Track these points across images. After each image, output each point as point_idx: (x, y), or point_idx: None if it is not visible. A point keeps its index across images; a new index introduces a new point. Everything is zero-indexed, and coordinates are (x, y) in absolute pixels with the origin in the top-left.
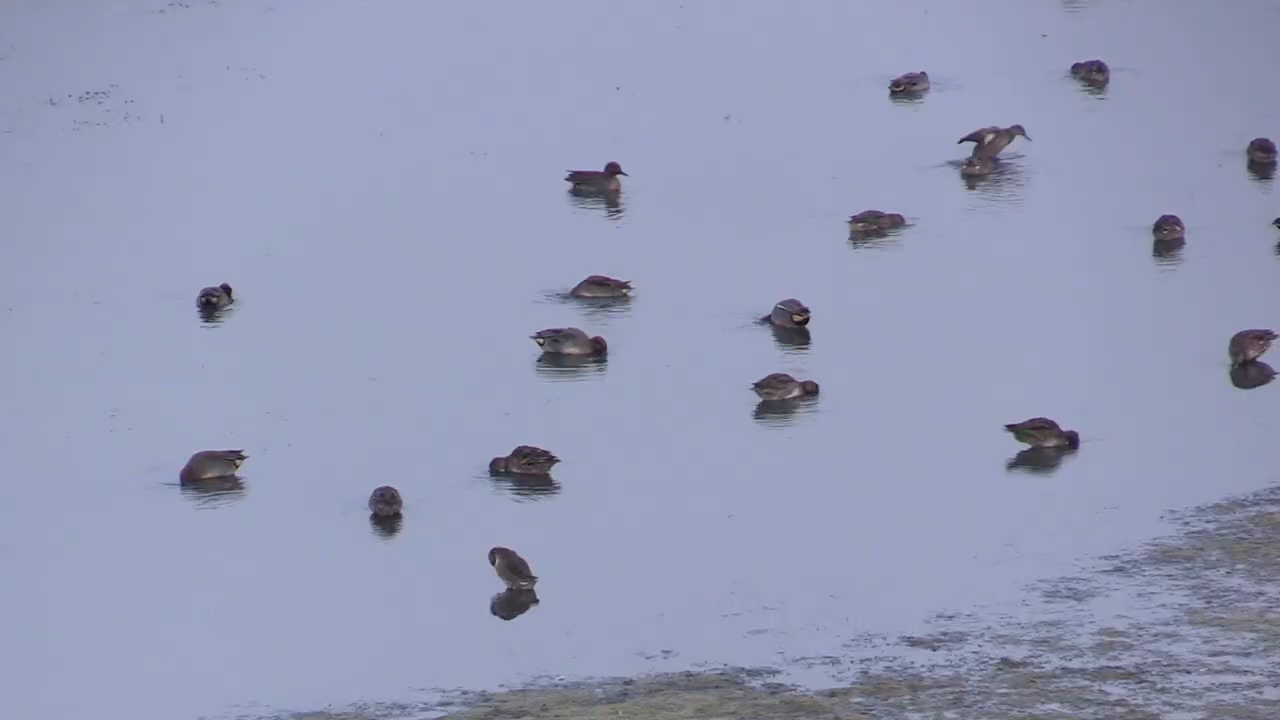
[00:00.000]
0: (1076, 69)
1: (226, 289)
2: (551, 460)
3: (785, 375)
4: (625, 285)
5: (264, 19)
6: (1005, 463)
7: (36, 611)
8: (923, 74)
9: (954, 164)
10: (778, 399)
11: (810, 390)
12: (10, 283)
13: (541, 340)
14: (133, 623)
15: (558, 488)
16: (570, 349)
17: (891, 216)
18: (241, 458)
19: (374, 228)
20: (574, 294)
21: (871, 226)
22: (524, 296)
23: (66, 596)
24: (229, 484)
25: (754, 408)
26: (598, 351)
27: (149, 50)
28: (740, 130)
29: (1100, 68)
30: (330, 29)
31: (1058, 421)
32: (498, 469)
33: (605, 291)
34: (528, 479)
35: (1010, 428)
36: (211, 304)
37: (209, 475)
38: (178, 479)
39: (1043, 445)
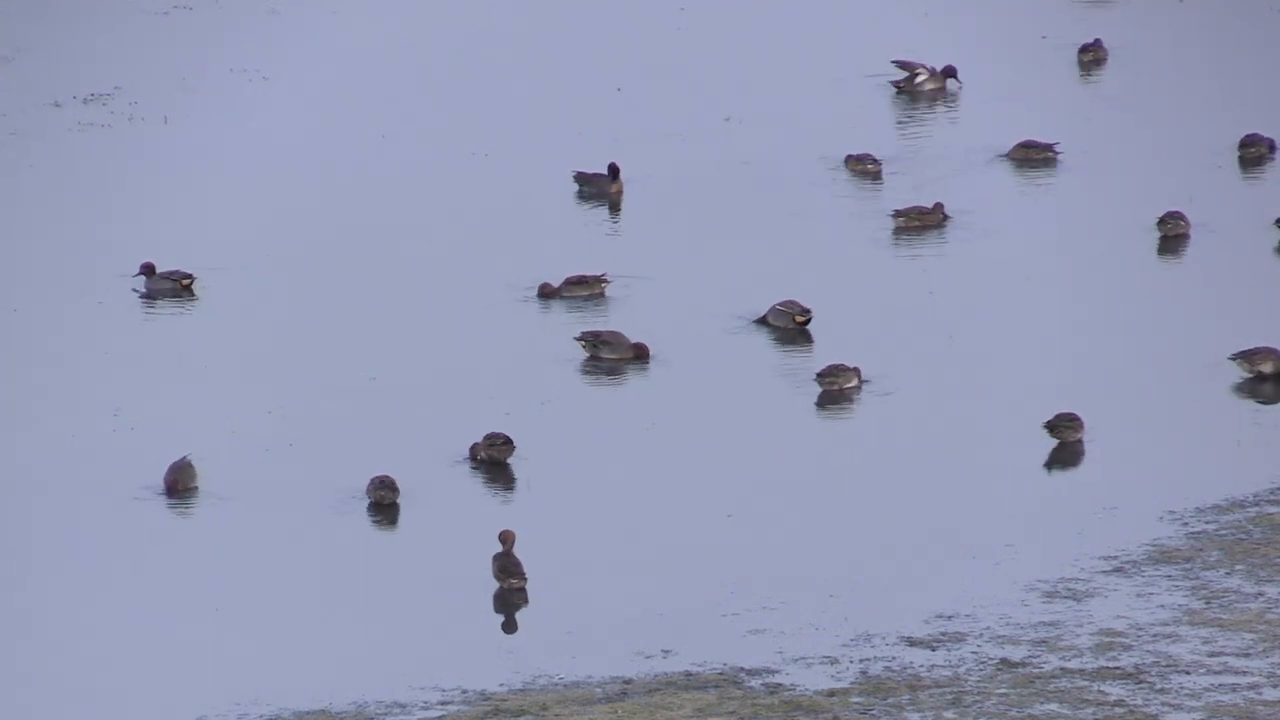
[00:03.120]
0: (1084, 50)
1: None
2: (510, 446)
3: (843, 365)
4: (602, 279)
5: (267, 21)
6: (1004, 463)
7: (38, 610)
8: (925, 73)
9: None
10: (838, 389)
11: (863, 380)
12: (14, 283)
13: (584, 342)
14: (134, 621)
15: (558, 487)
16: (607, 354)
17: (936, 212)
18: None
19: (376, 228)
20: (554, 294)
21: (914, 222)
22: (522, 296)
23: (68, 595)
24: (218, 485)
25: (756, 407)
26: (639, 357)
27: (153, 52)
28: (740, 131)
29: (1092, 46)
30: (333, 31)
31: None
32: (475, 455)
33: (585, 289)
34: (492, 465)
35: (1046, 425)
36: (185, 287)
37: (193, 484)
38: (164, 490)
39: (1075, 439)
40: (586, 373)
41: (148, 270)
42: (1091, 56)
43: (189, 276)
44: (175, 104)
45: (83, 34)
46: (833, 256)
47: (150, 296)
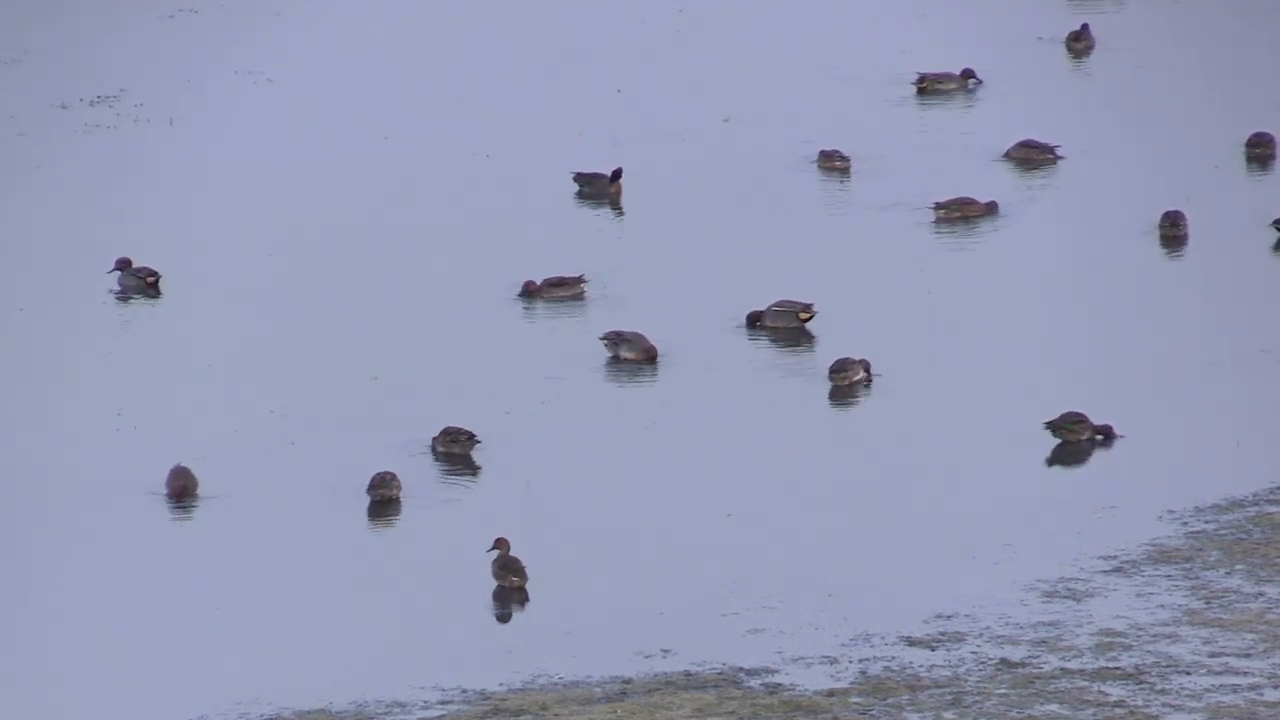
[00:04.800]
0: (1072, 37)
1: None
2: (473, 440)
3: (849, 359)
4: (580, 279)
5: (271, 24)
6: (1003, 463)
7: (41, 609)
8: (949, 73)
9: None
10: (847, 384)
11: (871, 374)
12: (21, 283)
13: (606, 341)
14: (135, 620)
15: (558, 487)
16: (626, 354)
17: (986, 205)
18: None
19: (378, 228)
20: (535, 294)
21: (955, 214)
22: (520, 296)
23: (70, 593)
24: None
25: (763, 402)
26: (650, 360)
27: (158, 55)
28: (739, 131)
29: (1079, 35)
30: (336, 34)
31: (1088, 415)
32: (434, 448)
33: (565, 290)
34: (452, 459)
35: (1048, 425)
36: (150, 284)
37: (197, 489)
38: (169, 495)
39: (1079, 439)
40: (586, 372)
41: (123, 265)
42: (1083, 44)
43: (154, 274)
44: (180, 105)
45: (89, 36)
46: (831, 255)
47: (123, 293)
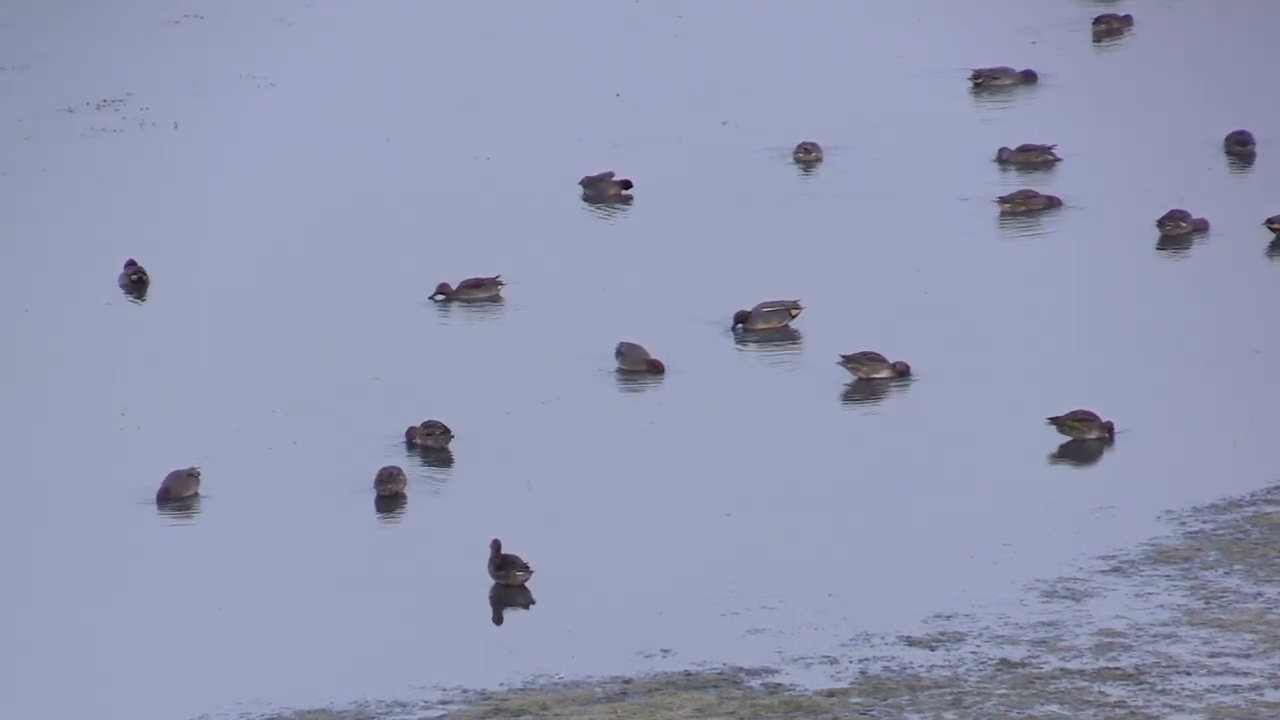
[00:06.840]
0: (1099, 20)
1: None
2: (448, 434)
3: (876, 354)
4: (497, 281)
5: (275, 29)
6: (1002, 463)
7: (43, 609)
8: (1005, 69)
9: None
10: (865, 376)
11: (901, 371)
12: (26, 284)
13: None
14: (136, 619)
15: (558, 487)
16: (622, 365)
17: (1047, 199)
18: (198, 472)
19: (380, 231)
20: (450, 296)
21: (1020, 207)
22: (517, 296)
23: (72, 593)
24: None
25: (771, 405)
26: (654, 372)
27: (164, 59)
28: (737, 134)
29: (1104, 19)
30: (339, 39)
31: (1097, 413)
32: (410, 440)
33: (482, 292)
34: (430, 452)
35: (1052, 420)
36: (141, 281)
37: (188, 494)
38: (155, 500)
39: (1085, 437)
40: (585, 373)
41: (130, 266)
42: (1104, 27)
43: (139, 272)
44: (185, 109)
45: (96, 41)
46: (828, 254)
47: (125, 291)
